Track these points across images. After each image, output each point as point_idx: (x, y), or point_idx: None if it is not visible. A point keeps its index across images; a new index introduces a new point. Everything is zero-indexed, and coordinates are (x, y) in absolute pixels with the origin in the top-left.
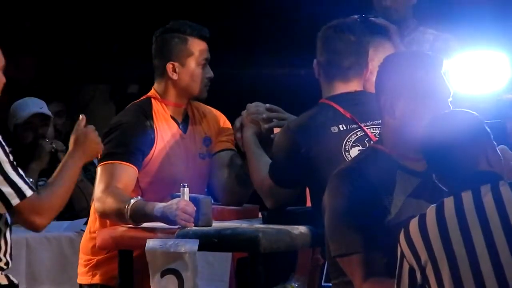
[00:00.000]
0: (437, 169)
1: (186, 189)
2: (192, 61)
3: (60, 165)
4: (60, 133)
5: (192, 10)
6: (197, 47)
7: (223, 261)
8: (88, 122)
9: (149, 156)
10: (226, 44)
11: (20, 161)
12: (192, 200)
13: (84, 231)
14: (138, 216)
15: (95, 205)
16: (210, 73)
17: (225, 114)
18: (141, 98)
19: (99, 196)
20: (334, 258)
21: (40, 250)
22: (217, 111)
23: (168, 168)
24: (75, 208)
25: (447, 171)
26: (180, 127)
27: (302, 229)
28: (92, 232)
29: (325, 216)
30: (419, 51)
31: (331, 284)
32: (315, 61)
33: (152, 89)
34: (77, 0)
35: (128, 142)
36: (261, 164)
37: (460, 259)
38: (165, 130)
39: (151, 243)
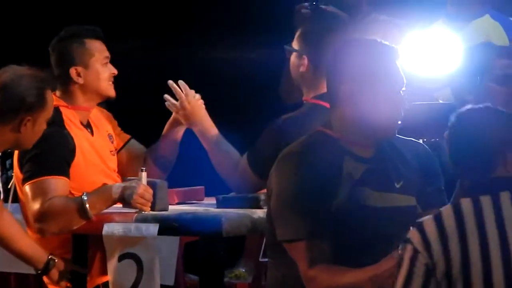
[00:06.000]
0: (451, 159)
1: (144, 173)
2: (95, 61)
3: None
4: None
5: None
6: (96, 47)
7: (171, 245)
8: None
9: (73, 163)
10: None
11: None
12: (149, 183)
13: None
14: (98, 205)
15: (35, 227)
16: (114, 70)
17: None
18: None
19: (40, 212)
20: (280, 242)
21: None
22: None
23: (93, 171)
24: None
25: (459, 167)
26: (88, 130)
27: (260, 213)
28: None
29: (271, 199)
30: (374, 40)
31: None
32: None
33: (54, 97)
34: None
35: (53, 154)
36: (229, 147)
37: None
38: (79, 137)
39: (108, 227)
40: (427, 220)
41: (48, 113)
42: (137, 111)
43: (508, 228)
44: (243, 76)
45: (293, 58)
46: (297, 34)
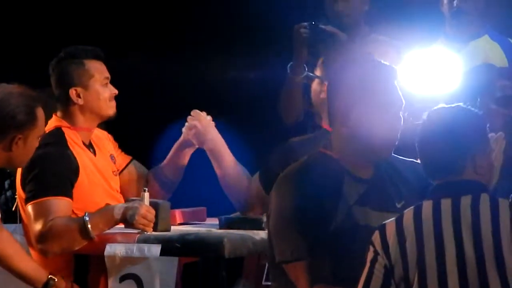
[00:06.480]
0: (420, 159)
1: (147, 194)
2: (94, 82)
3: None
4: None
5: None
6: (95, 68)
7: (170, 266)
8: None
9: (77, 184)
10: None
11: None
12: (151, 204)
13: None
14: (100, 225)
15: (38, 247)
16: (114, 90)
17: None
18: (47, 129)
19: (42, 233)
20: (279, 263)
21: None
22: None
23: (96, 191)
24: None
25: (428, 168)
26: (91, 150)
27: (262, 234)
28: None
29: (271, 218)
30: (374, 60)
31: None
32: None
33: (55, 117)
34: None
35: (56, 175)
36: (241, 168)
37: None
38: (82, 157)
39: (110, 248)
40: (390, 222)
41: (39, 131)
42: (136, 127)
43: (464, 232)
44: (245, 94)
45: (314, 85)
46: (320, 61)
